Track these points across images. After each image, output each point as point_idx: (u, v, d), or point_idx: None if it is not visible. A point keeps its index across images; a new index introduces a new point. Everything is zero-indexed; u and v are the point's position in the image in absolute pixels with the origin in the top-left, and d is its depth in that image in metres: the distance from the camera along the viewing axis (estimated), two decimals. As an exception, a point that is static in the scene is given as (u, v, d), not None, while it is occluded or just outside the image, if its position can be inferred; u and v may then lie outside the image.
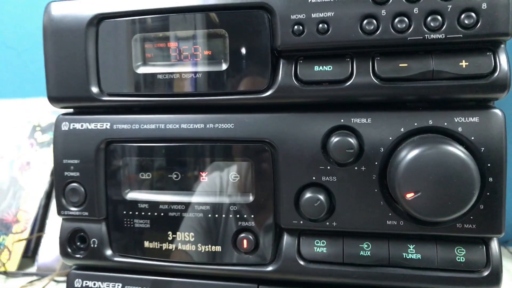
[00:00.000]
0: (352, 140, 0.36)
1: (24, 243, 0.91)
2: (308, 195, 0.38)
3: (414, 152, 0.34)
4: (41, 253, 0.90)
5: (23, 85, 1.04)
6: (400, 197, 0.35)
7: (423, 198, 0.34)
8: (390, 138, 0.36)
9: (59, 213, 0.44)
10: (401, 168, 0.34)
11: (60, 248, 0.45)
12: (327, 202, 0.37)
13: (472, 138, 0.35)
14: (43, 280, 0.81)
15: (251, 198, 0.40)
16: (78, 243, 0.44)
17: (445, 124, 0.35)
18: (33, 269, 0.87)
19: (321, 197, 0.37)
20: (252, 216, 0.40)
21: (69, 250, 0.44)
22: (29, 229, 0.94)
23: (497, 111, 0.35)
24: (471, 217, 0.35)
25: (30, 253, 0.94)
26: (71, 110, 0.45)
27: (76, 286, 0.45)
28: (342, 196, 0.37)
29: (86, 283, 0.45)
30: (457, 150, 0.34)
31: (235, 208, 0.40)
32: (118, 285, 0.44)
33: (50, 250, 0.88)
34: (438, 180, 0.34)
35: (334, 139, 0.37)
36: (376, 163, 0.37)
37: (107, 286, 0.44)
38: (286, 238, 0.40)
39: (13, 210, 0.96)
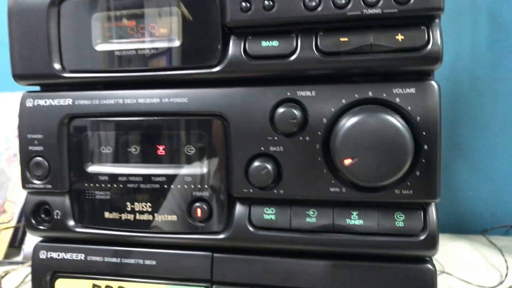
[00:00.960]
0: (296, 111, 0.38)
1: (10, 232, 0.93)
2: (256, 164, 0.39)
3: (352, 121, 0.36)
4: (27, 243, 0.91)
5: (11, 79, 1.06)
6: (339, 163, 0.37)
7: (360, 164, 0.36)
8: (332, 109, 0.38)
9: (23, 187, 0.46)
10: (340, 135, 0.36)
11: (25, 221, 0.46)
12: (275, 171, 0.39)
13: (409, 108, 0.37)
14: (28, 267, 0.82)
15: (205, 169, 0.42)
16: (43, 215, 0.46)
17: (384, 95, 0.37)
18: (19, 259, 0.89)
19: (268, 165, 0.39)
20: (206, 186, 0.42)
21: (33, 222, 0.46)
22: (15, 219, 0.95)
23: (433, 83, 0.37)
24: (408, 184, 0.37)
25: (17, 243, 0.95)
26: (36, 88, 0.47)
27: (41, 257, 0.47)
28: (289, 165, 0.39)
29: (50, 254, 0.46)
30: (392, 118, 0.36)
31: (189, 179, 0.42)
32: (81, 256, 0.46)
33: (35, 239, 0.89)
34: (373, 146, 0.36)
35: (280, 111, 0.39)
36: (319, 133, 0.38)
37: (70, 257, 0.46)
38: (238, 207, 0.42)
39: (0, 200, 0.97)
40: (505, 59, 0.84)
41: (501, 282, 0.63)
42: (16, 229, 0.95)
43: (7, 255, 0.86)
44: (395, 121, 0.36)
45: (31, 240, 0.90)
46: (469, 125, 0.86)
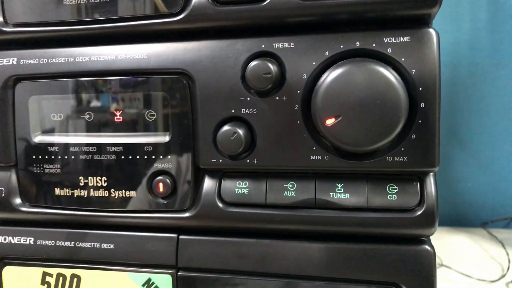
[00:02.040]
0: (271, 65, 0.32)
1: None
2: (225, 128, 0.34)
3: (335, 73, 0.31)
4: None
5: None
6: (321, 124, 0.31)
7: (344, 123, 0.30)
8: (314, 63, 0.33)
9: (-37, 160, 0.40)
10: (321, 91, 0.31)
11: (-34, 200, 0.41)
12: (247, 137, 0.34)
13: (403, 59, 0.31)
14: None
15: (167, 137, 0.36)
16: (-14, 194, 0.40)
17: (374, 45, 0.32)
18: None
19: (239, 130, 0.33)
20: (169, 157, 0.36)
21: (-26, 201, 0.40)
22: None
23: (431, 30, 0.32)
24: (402, 149, 0.32)
25: None
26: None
27: (-15, 242, 0.41)
28: (263, 129, 0.34)
29: (-5, 238, 0.41)
30: (382, 69, 0.30)
31: (150, 148, 0.36)
32: (30, 239, 0.40)
33: None
34: (360, 102, 0.30)
35: (251, 65, 0.33)
36: (298, 91, 0.33)
37: (18, 241, 0.40)
38: (206, 181, 0.36)
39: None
40: (505, 44, 0.80)
41: (503, 276, 0.59)
42: None
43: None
44: (386, 72, 0.30)
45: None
46: (468, 113, 0.81)
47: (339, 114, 0.30)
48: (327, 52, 0.32)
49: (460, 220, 0.82)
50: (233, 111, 0.34)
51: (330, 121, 0.30)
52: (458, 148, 0.83)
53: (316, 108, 0.31)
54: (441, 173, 0.32)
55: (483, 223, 0.80)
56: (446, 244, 0.71)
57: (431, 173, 0.33)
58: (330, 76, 0.31)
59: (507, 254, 0.63)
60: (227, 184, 0.36)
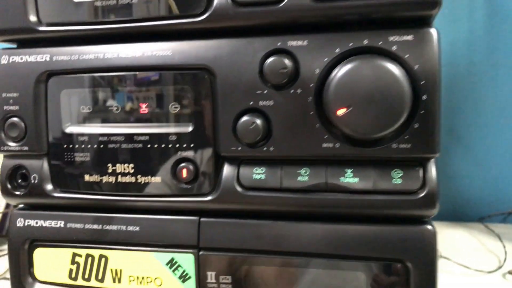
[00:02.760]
0: (286, 61, 0.36)
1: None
2: (244, 119, 0.37)
3: (346, 68, 0.34)
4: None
5: None
6: (333, 114, 0.34)
7: (354, 113, 0.33)
8: (326, 59, 0.36)
9: (-1, 150, 0.43)
10: (333, 84, 0.34)
11: (1, 187, 0.44)
12: (264, 127, 0.37)
13: (407, 56, 0.35)
14: None
15: (190, 127, 0.39)
16: (19, 180, 0.44)
17: (380, 43, 0.35)
18: (6, 247, 0.86)
19: (257, 120, 0.37)
20: (192, 145, 0.39)
21: (9, 187, 0.43)
22: (3, 206, 0.92)
23: (432, 29, 0.35)
24: (406, 137, 0.35)
25: (5, 232, 0.92)
26: (13, 46, 0.44)
27: (18, 225, 0.44)
28: (279, 120, 0.37)
29: (28, 222, 0.44)
30: (388, 64, 0.33)
31: (174, 138, 0.39)
32: (61, 223, 0.43)
33: None
34: (368, 94, 0.33)
35: (269, 61, 0.36)
36: (311, 85, 0.36)
37: (49, 224, 0.43)
38: (226, 167, 0.39)
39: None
40: (502, 44, 0.82)
41: (500, 267, 0.61)
42: (3, 218, 0.93)
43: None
44: (392, 67, 0.33)
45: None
46: (465, 111, 0.84)
47: (350, 105, 0.33)
48: (338, 49, 0.36)
49: (459, 215, 0.84)
50: (251, 103, 0.37)
51: (341, 111, 0.34)
52: (456, 145, 0.85)
53: (329, 99, 0.34)
54: (440, 170, 0.36)
55: (480, 217, 0.82)
56: (445, 237, 0.73)
57: (432, 159, 0.36)
58: (341, 70, 0.34)
59: (504, 247, 0.66)
60: (245, 170, 0.39)
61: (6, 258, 0.77)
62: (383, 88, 0.33)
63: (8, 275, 0.73)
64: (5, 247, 0.85)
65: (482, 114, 0.84)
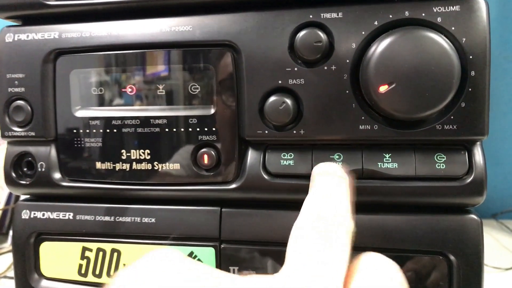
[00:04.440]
0: (321, 33, 0.33)
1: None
2: (273, 98, 0.34)
3: (387, 41, 0.31)
4: (14, 228, 0.86)
5: None
6: (373, 92, 0.31)
7: (398, 90, 0.30)
8: (363, 33, 0.33)
9: (3, 135, 0.40)
10: (374, 59, 0.31)
11: (4, 176, 0.41)
12: (294, 107, 0.34)
13: (453, 28, 0.31)
14: None
15: (212, 109, 0.36)
16: (25, 169, 0.40)
17: (423, 14, 0.32)
18: (6, 245, 0.83)
19: (287, 100, 0.33)
20: (214, 129, 0.36)
21: (14, 176, 0.40)
22: (3, 203, 0.89)
23: (480, -1, 0.32)
24: (452, 117, 0.32)
25: (5, 229, 0.89)
26: (17, 24, 0.41)
27: (23, 217, 0.41)
28: (311, 100, 0.34)
29: (34, 214, 0.41)
30: (435, 36, 0.30)
31: (194, 121, 0.36)
32: (69, 215, 0.40)
33: None
34: (414, 68, 0.30)
35: (300, 34, 0.33)
36: (347, 61, 0.33)
37: (57, 216, 0.40)
38: (250, 153, 0.36)
39: (-15, 185, 0.92)
40: (514, 37, 0.80)
41: None
42: (3, 215, 0.90)
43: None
44: (440, 39, 0.30)
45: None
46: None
47: (393, 81, 0.30)
48: (376, 21, 0.33)
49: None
50: (279, 81, 0.34)
51: (383, 88, 0.31)
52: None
53: (369, 76, 0.31)
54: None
55: (493, 214, 0.80)
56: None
57: (478, 142, 0.33)
58: (382, 44, 0.31)
59: (520, 243, 0.63)
60: (271, 156, 0.36)
61: (6, 256, 0.75)
62: (429, 63, 0.30)
63: (9, 274, 0.70)
64: (5, 245, 0.83)
65: (494, 108, 0.81)
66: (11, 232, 0.85)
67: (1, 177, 0.90)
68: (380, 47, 0.31)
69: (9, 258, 0.74)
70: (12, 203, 0.92)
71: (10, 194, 0.93)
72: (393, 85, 0.30)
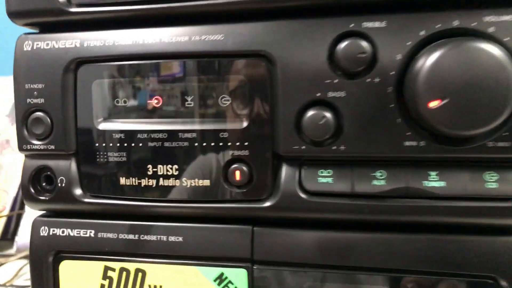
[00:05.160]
0: (364, 44, 0.31)
1: (2, 224, 0.85)
2: (311, 113, 0.32)
3: (438, 53, 0.29)
4: (21, 234, 0.84)
5: (4, 63, 0.99)
6: (422, 108, 0.29)
7: (450, 105, 0.28)
8: (409, 43, 0.31)
9: (20, 148, 0.38)
10: (423, 72, 0.29)
11: (22, 191, 0.38)
12: (334, 122, 0.32)
13: (507, 39, 0.29)
14: (21, 260, 0.75)
15: (244, 123, 0.34)
16: (44, 184, 0.38)
17: (473, 24, 0.30)
18: (12, 251, 0.82)
19: (327, 114, 0.31)
20: (246, 144, 0.34)
21: (32, 191, 0.38)
22: (8, 209, 0.88)
23: (536, 8, 0.30)
24: (506, 134, 0.30)
25: (10, 235, 0.88)
26: (35, 31, 0.39)
27: (41, 235, 0.39)
28: (352, 114, 0.32)
29: (53, 230, 0.38)
30: (489, 46, 0.28)
31: (226, 135, 0.34)
32: (91, 232, 0.38)
33: (30, 230, 0.82)
34: (467, 82, 0.28)
35: (343, 44, 0.31)
36: (392, 73, 0.31)
37: (77, 234, 0.38)
38: (285, 169, 0.34)
39: (-9, 190, 0.90)
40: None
41: None
42: (8, 221, 0.88)
43: (-1, 248, 0.79)
44: (495, 50, 0.28)
45: (26, 231, 0.83)
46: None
47: (445, 96, 0.28)
48: (423, 31, 0.31)
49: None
50: (318, 94, 0.32)
51: (434, 104, 0.28)
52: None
53: (417, 90, 0.29)
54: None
55: None
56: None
57: (532, 160, 0.31)
58: (432, 56, 0.29)
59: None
60: (308, 172, 0.34)
61: (13, 264, 0.73)
62: (485, 76, 0.28)
63: (15, 282, 0.68)
64: (10, 251, 0.81)
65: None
66: (16, 238, 0.83)
67: (5, 181, 0.88)
68: (430, 59, 0.29)
69: (15, 266, 0.72)
70: (17, 208, 0.90)
71: (15, 199, 0.91)
72: (446, 101, 0.28)
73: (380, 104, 0.31)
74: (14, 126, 0.93)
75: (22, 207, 0.90)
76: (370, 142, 0.32)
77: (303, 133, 0.32)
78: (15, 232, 0.87)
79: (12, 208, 0.90)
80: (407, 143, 0.31)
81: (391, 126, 0.31)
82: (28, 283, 0.67)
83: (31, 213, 0.83)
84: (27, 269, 0.72)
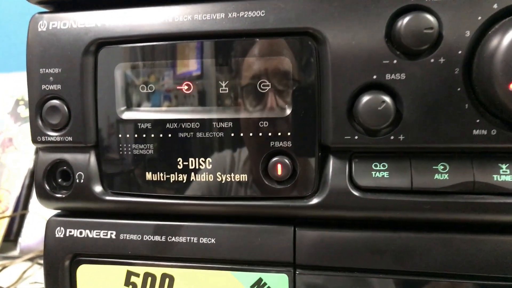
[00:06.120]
0: (431, 18, 0.27)
1: (6, 224, 0.82)
2: (368, 97, 0.28)
3: (520, 27, 0.25)
4: (24, 235, 0.81)
5: (6, 59, 0.96)
6: (500, 90, 0.25)
7: (535, 87, 0.25)
8: (479, 18, 0.27)
9: (34, 140, 0.34)
10: (502, 50, 0.25)
11: (36, 188, 0.35)
12: (393, 108, 0.28)
13: None
14: (25, 262, 0.71)
15: (287, 110, 0.30)
16: (60, 180, 0.34)
17: (555, -5, 0.26)
18: (15, 253, 0.78)
19: (386, 98, 0.28)
20: (289, 134, 0.30)
21: (47, 188, 0.34)
22: (11, 209, 0.85)
23: None
24: None
25: (13, 236, 0.84)
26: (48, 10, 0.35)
27: (57, 236, 0.35)
28: (413, 99, 0.28)
29: (70, 232, 0.35)
30: None
31: (266, 124, 0.30)
32: (112, 233, 0.34)
33: (33, 231, 0.79)
34: (557, 60, 0.24)
35: (406, 19, 0.27)
36: (459, 52, 0.27)
37: (97, 235, 0.34)
38: (333, 162, 0.30)
39: (-6, 189, 0.87)
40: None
41: None
42: (11, 221, 0.84)
43: (1, 250, 0.75)
44: None
45: (29, 233, 0.79)
46: None
47: (529, 76, 0.25)
48: (495, 4, 0.27)
49: None
50: (374, 76, 0.28)
51: (515, 85, 0.25)
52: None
53: (493, 70, 0.25)
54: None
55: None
56: None
57: None
58: (511, 32, 0.25)
59: None
60: (360, 166, 0.30)
61: (16, 266, 0.69)
62: None
63: (19, 286, 0.64)
64: (13, 253, 0.77)
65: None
66: (19, 240, 0.80)
67: (8, 180, 0.85)
68: (508, 36, 0.25)
69: (19, 268, 0.69)
70: (20, 209, 0.87)
71: (18, 199, 0.87)
72: (529, 81, 0.25)
73: (446, 87, 0.28)
74: (17, 124, 0.89)
75: (25, 207, 0.87)
76: (433, 131, 0.28)
77: (357, 121, 0.29)
78: (18, 233, 0.84)
79: (15, 209, 0.87)
80: (476, 132, 0.28)
81: (458, 112, 0.28)
82: (34, 286, 0.63)
83: (34, 214, 0.79)
84: (31, 272, 0.68)
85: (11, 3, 0.92)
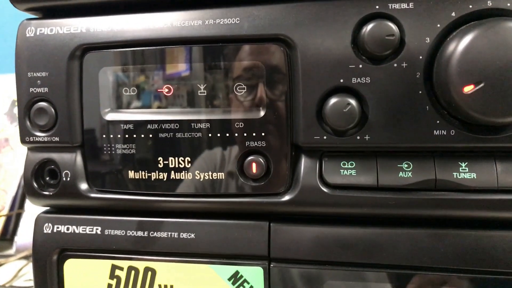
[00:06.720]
0: (392, 26, 0.29)
1: (2, 224, 0.83)
2: (335, 100, 0.30)
3: (472, 35, 0.27)
4: (20, 234, 0.82)
5: (2, 61, 0.98)
6: (455, 93, 0.27)
7: (487, 90, 0.26)
8: (438, 26, 0.29)
9: (23, 140, 0.35)
10: (457, 55, 0.27)
11: (25, 186, 0.36)
12: (359, 110, 0.30)
13: (545, 20, 0.27)
14: (20, 260, 0.73)
15: (261, 112, 0.32)
16: (47, 178, 0.36)
17: (508, 4, 0.28)
18: (11, 251, 0.80)
19: (351, 101, 0.29)
20: (263, 134, 0.32)
21: (35, 186, 0.36)
22: (7, 209, 0.86)
23: None
24: (543, 121, 0.28)
25: (9, 235, 0.86)
26: (36, 16, 0.37)
27: (45, 232, 0.37)
28: (377, 101, 0.30)
29: (57, 228, 0.36)
30: (530, 28, 0.26)
31: (241, 125, 0.32)
32: (97, 229, 0.36)
33: (29, 230, 0.80)
34: (504, 66, 0.26)
35: (369, 27, 0.29)
36: (420, 57, 0.29)
37: (83, 231, 0.36)
38: (304, 161, 0.32)
39: (-10, 189, 0.88)
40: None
41: None
42: (8, 220, 0.86)
43: (-2, 248, 0.76)
44: (536, 32, 0.26)
45: (25, 231, 0.81)
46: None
47: (480, 80, 0.26)
48: (453, 13, 0.29)
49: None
50: (341, 80, 0.30)
51: (468, 89, 0.27)
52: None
53: (450, 74, 0.27)
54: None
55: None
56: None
57: None
58: (465, 38, 0.27)
59: None
60: (329, 164, 0.32)
61: (12, 264, 0.71)
62: (524, 59, 0.26)
63: (15, 283, 0.66)
64: (9, 251, 0.79)
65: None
66: (15, 238, 0.81)
67: (4, 180, 0.86)
68: (463, 42, 0.27)
69: (14, 266, 0.71)
70: (16, 208, 0.88)
71: (14, 199, 0.89)
72: (481, 85, 0.26)
73: (408, 90, 0.29)
74: (13, 124, 0.90)
75: (21, 207, 0.89)
76: (396, 132, 0.30)
77: (325, 122, 0.30)
78: (14, 232, 0.85)
79: (11, 208, 0.88)
80: (437, 132, 0.29)
81: (420, 114, 0.29)
82: (29, 284, 0.65)
83: (30, 213, 0.81)
84: (27, 269, 0.70)
85: (7, 6, 0.93)
